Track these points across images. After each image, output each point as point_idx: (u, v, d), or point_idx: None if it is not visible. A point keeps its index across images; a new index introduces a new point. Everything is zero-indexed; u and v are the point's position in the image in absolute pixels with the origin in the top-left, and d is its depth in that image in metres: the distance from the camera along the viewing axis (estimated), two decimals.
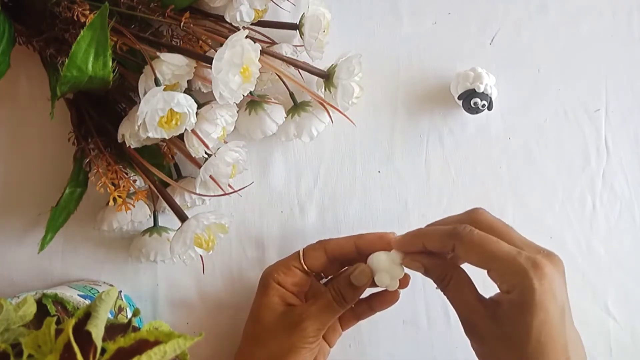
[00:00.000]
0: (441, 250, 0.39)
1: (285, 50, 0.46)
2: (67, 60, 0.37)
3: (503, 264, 0.35)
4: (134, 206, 0.44)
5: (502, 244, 0.36)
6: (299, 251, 0.44)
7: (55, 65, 0.44)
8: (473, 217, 0.39)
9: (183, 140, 0.42)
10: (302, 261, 0.43)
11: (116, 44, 0.42)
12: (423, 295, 0.49)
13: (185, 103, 0.39)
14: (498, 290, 0.37)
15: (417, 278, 0.49)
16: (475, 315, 0.37)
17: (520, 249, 0.36)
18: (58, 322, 0.29)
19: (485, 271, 0.37)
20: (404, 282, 0.42)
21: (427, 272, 0.40)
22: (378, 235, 0.43)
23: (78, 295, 0.41)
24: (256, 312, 0.43)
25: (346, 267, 0.43)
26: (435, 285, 0.40)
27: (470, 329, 0.38)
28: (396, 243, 0.41)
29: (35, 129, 0.49)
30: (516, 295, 0.35)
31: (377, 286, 0.41)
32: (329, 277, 0.47)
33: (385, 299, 0.45)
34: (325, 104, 0.46)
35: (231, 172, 0.43)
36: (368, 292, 0.43)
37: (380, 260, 0.40)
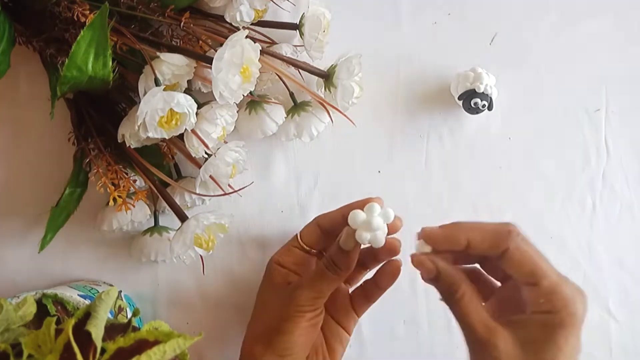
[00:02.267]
0: (486, 251, 0.35)
1: (285, 50, 0.46)
2: (67, 60, 0.37)
3: (553, 283, 0.33)
4: (134, 206, 0.44)
5: (551, 265, 0.34)
6: (297, 233, 0.44)
7: (55, 65, 0.44)
8: (511, 227, 0.35)
9: (183, 140, 0.42)
10: (300, 239, 0.44)
11: (116, 44, 0.42)
12: (424, 295, 0.49)
13: (185, 103, 0.39)
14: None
15: (419, 278, 0.49)
16: (495, 336, 0.33)
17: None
18: (58, 322, 0.29)
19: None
20: (393, 228, 0.39)
21: (435, 280, 0.36)
22: (364, 201, 0.41)
23: (78, 295, 0.41)
24: (259, 294, 0.44)
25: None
26: (439, 297, 0.36)
27: (481, 348, 0.34)
28: (428, 235, 0.36)
29: (35, 129, 0.49)
30: (559, 318, 0.33)
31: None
32: None
33: (385, 270, 0.43)
34: (325, 104, 0.46)
35: (231, 172, 0.43)
36: (374, 272, 0.43)
37: (356, 215, 0.37)
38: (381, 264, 0.43)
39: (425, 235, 0.36)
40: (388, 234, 0.38)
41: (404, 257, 0.48)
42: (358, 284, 0.45)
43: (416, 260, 0.36)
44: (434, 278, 0.36)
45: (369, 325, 0.48)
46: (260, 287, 0.45)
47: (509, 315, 0.35)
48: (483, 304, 0.36)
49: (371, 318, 0.46)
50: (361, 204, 0.39)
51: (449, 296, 0.35)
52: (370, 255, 0.43)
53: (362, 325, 0.47)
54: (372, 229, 0.37)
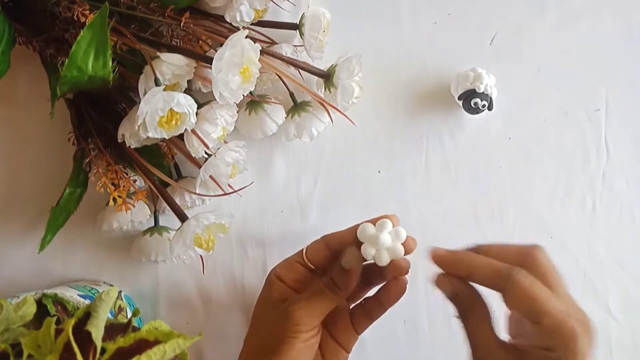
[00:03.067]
0: (487, 286, 0.36)
1: (285, 50, 0.46)
2: (67, 60, 0.37)
3: (555, 322, 0.33)
4: (134, 206, 0.44)
5: (554, 299, 0.34)
6: (303, 248, 0.43)
7: (55, 65, 0.44)
8: (532, 256, 0.36)
9: (183, 140, 0.42)
10: (305, 256, 0.42)
11: (116, 44, 0.42)
12: (424, 295, 0.49)
13: (185, 103, 0.39)
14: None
15: (418, 278, 0.49)
16: (494, 358, 0.35)
17: (570, 306, 0.35)
18: (58, 322, 0.29)
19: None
20: (405, 249, 0.39)
21: (452, 298, 0.37)
22: (378, 218, 0.40)
23: (78, 295, 0.41)
24: (256, 307, 0.43)
25: None
26: (456, 314, 0.37)
27: None
28: (438, 258, 0.37)
29: (35, 129, 0.49)
30: (560, 356, 0.33)
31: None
32: None
33: (389, 289, 0.42)
34: (325, 104, 0.46)
35: (231, 172, 0.43)
36: (376, 288, 0.43)
37: (365, 229, 0.38)
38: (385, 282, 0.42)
39: (434, 255, 0.37)
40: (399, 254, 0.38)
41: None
42: (359, 301, 0.44)
43: (437, 281, 0.37)
44: (451, 297, 0.37)
45: (369, 328, 0.48)
46: (258, 300, 0.43)
47: (521, 338, 0.35)
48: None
49: None
50: (374, 221, 0.39)
51: (461, 315, 0.36)
52: (376, 273, 0.42)
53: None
54: (378, 244, 0.37)
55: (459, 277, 0.36)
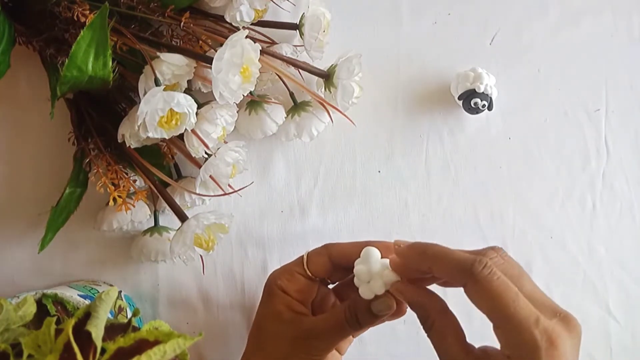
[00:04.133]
0: (449, 282, 0.35)
1: (285, 50, 0.46)
2: (67, 60, 0.37)
3: (515, 329, 0.30)
4: (134, 206, 0.44)
5: (521, 303, 0.31)
6: (303, 256, 0.42)
7: (55, 65, 0.44)
8: (478, 271, 0.32)
9: (183, 140, 0.42)
10: (306, 267, 0.41)
11: (116, 44, 0.42)
12: None
13: (185, 103, 0.39)
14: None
15: None
16: None
17: (539, 305, 0.31)
18: (58, 322, 0.29)
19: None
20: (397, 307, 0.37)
21: (413, 307, 0.35)
22: (384, 245, 0.39)
23: (78, 295, 0.41)
24: (261, 320, 0.41)
25: None
26: (419, 324, 0.35)
27: None
28: (401, 251, 0.36)
29: (35, 129, 0.49)
30: None
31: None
32: (336, 283, 0.45)
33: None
34: (325, 104, 0.46)
35: (231, 172, 0.43)
36: None
37: (362, 271, 0.37)
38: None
39: (395, 252, 0.36)
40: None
41: None
42: None
43: (394, 289, 0.36)
44: (411, 306, 0.36)
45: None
46: (261, 312, 0.41)
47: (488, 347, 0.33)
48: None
49: None
50: (380, 247, 0.38)
51: (423, 325, 0.35)
52: None
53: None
54: (374, 290, 0.36)
55: (422, 272, 0.35)
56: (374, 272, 0.36)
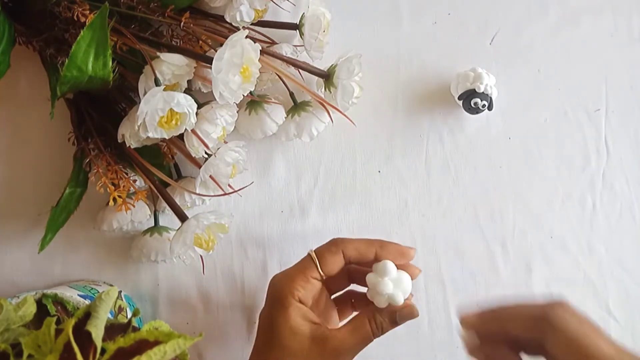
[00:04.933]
0: (529, 340, 0.33)
1: (285, 50, 0.46)
2: (67, 60, 0.37)
3: None
4: (134, 206, 0.44)
5: (603, 341, 0.31)
6: (311, 256, 0.39)
7: (55, 65, 0.44)
8: (555, 312, 0.32)
9: (183, 140, 0.42)
10: (320, 270, 0.38)
11: (116, 44, 0.42)
12: (424, 295, 0.49)
13: (185, 103, 0.39)
14: None
15: (419, 277, 0.49)
16: None
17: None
18: (58, 322, 0.29)
19: None
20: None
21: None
22: (400, 250, 0.39)
23: (78, 295, 0.41)
24: (278, 335, 0.37)
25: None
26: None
27: None
28: (469, 321, 0.35)
29: (35, 129, 0.49)
30: None
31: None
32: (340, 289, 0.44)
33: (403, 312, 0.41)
34: (325, 104, 0.46)
35: (231, 172, 0.43)
36: None
37: (385, 284, 0.38)
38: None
39: (465, 322, 0.36)
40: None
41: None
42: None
43: (469, 348, 0.36)
44: None
45: None
46: (274, 322, 0.38)
47: None
48: None
49: None
50: (396, 251, 0.39)
51: None
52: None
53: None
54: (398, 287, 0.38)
55: (494, 335, 0.34)
56: (393, 285, 0.38)
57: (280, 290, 0.38)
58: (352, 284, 0.44)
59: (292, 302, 0.38)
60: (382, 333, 0.38)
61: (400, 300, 0.38)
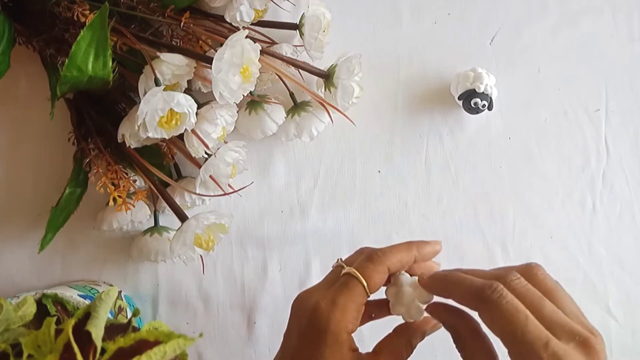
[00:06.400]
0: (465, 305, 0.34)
1: (285, 50, 0.46)
2: (67, 60, 0.37)
3: (523, 354, 0.29)
4: (134, 206, 0.44)
5: (530, 326, 0.30)
6: (355, 279, 0.34)
7: (55, 65, 0.44)
8: (490, 295, 0.32)
9: (183, 140, 0.42)
10: (368, 291, 0.35)
11: (116, 44, 0.42)
12: None
13: (185, 103, 0.39)
14: None
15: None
16: None
17: (557, 328, 0.30)
18: (58, 322, 0.29)
19: None
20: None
21: (447, 327, 0.35)
22: (432, 245, 0.38)
23: (78, 295, 0.41)
24: None
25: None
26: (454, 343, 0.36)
27: None
28: (424, 283, 0.36)
29: (35, 129, 0.49)
30: None
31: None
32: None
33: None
34: (325, 104, 0.46)
35: (231, 172, 0.43)
36: None
37: (407, 293, 0.36)
38: None
39: (422, 282, 0.36)
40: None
41: None
42: None
43: (430, 310, 0.36)
44: (445, 326, 0.36)
45: (370, 324, 0.48)
46: (320, 356, 0.33)
47: None
48: None
49: None
50: (431, 251, 0.37)
51: (455, 344, 0.35)
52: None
53: (363, 325, 0.47)
54: (412, 314, 0.36)
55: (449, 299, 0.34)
56: (410, 296, 0.36)
57: (331, 327, 0.33)
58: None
59: (346, 338, 0.34)
60: (414, 350, 0.37)
61: (417, 313, 0.36)
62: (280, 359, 0.35)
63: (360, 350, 0.36)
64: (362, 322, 0.37)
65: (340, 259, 0.37)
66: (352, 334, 0.35)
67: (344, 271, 0.35)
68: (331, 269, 0.38)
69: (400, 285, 0.36)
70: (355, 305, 0.34)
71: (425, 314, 0.37)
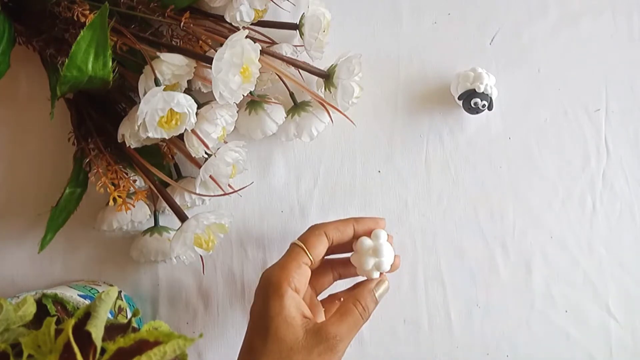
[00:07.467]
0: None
1: (285, 50, 0.46)
2: (67, 60, 0.37)
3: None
4: (134, 206, 0.44)
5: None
6: (297, 245, 0.40)
7: (55, 65, 0.44)
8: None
9: (183, 140, 0.42)
10: (310, 255, 0.40)
11: (116, 44, 0.42)
12: (424, 294, 0.49)
13: (185, 103, 0.39)
14: None
15: (419, 277, 0.49)
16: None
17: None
18: (58, 322, 0.29)
19: None
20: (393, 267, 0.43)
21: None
22: (374, 220, 0.43)
23: (78, 295, 0.41)
24: (272, 326, 0.37)
25: (366, 279, 0.43)
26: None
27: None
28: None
29: (35, 129, 0.49)
30: None
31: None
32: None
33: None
34: (325, 104, 0.46)
35: (231, 172, 0.43)
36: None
37: (364, 242, 0.42)
38: None
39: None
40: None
41: (403, 257, 0.48)
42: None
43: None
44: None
45: (369, 325, 0.48)
46: (268, 315, 0.38)
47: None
48: None
49: (371, 318, 0.46)
50: (371, 222, 0.43)
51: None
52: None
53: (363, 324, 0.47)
54: (379, 255, 0.42)
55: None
56: (385, 249, 0.42)
57: (273, 280, 0.39)
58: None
59: (288, 290, 0.38)
60: (369, 313, 0.41)
61: (386, 267, 0.42)
62: (248, 324, 0.40)
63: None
64: (331, 282, 0.45)
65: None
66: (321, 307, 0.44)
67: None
68: None
69: (364, 249, 0.42)
70: (295, 262, 0.39)
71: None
